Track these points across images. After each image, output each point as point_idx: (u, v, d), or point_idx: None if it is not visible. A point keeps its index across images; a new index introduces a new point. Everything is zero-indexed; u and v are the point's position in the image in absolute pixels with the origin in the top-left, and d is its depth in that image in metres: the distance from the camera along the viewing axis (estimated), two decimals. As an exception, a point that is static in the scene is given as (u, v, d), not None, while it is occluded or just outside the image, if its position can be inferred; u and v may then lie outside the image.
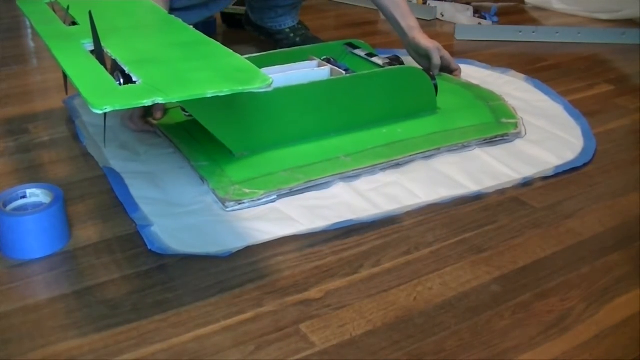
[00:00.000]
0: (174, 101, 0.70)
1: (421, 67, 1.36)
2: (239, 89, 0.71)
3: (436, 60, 1.32)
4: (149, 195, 0.94)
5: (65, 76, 1.01)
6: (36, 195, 0.85)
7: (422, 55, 1.34)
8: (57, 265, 0.80)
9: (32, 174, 1.01)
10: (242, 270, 0.80)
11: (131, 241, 0.85)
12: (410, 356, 0.67)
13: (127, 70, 0.77)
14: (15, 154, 1.08)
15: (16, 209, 0.84)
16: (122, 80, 0.78)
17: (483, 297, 0.76)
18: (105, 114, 0.68)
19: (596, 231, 0.89)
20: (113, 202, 0.93)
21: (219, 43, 0.86)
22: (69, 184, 0.98)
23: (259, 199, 0.92)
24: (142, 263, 0.81)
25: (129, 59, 0.80)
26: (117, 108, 0.67)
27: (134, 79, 0.74)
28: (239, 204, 0.91)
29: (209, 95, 0.70)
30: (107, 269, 0.80)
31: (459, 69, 1.36)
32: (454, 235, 0.87)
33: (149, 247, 0.82)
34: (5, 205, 0.83)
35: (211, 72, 0.76)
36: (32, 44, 1.74)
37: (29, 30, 1.83)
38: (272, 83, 0.72)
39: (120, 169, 1.00)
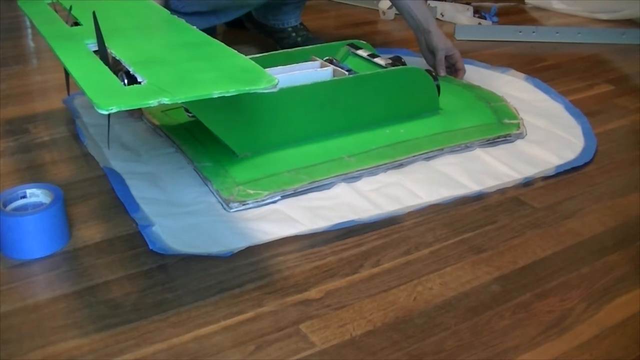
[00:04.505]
0: (179, 102, 0.70)
1: (426, 62, 1.37)
2: (245, 89, 0.71)
3: (438, 60, 1.33)
4: (150, 196, 0.94)
5: (67, 76, 1.01)
6: (36, 195, 0.85)
7: (430, 52, 1.35)
8: (57, 265, 0.80)
9: (32, 174, 1.01)
10: (242, 270, 0.80)
11: (131, 241, 0.85)
12: (410, 356, 0.67)
13: (131, 70, 0.77)
14: (15, 154, 1.08)
15: (16, 209, 0.84)
16: (126, 81, 0.78)
17: (483, 297, 0.76)
18: (109, 114, 0.68)
19: (596, 231, 0.89)
20: (113, 202, 0.93)
21: (223, 43, 0.86)
22: (69, 184, 0.98)
23: (263, 200, 0.92)
24: (142, 263, 0.81)
25: (133, 59, 0.80)
26: (123, 108, 0.67)
27: (138, 80, 0.74)
28: (243, 204, 0.91)
29: (215, 96, 0.70)
30: (107, 269, 0.80)
31: (462, 70, 1.36)
32: (454, 235, 0.87)
33: (150, 247, 0.82)
34: (5, 205, 0.83)
35: (216, 72, 0.76)
36: (32, 44, 1.74)
37: (29, 30, 1.83)
38: (277, 83, 0.72)
39: (121, 169, 1.00)
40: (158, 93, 0.69)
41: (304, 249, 0.84)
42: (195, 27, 0.95)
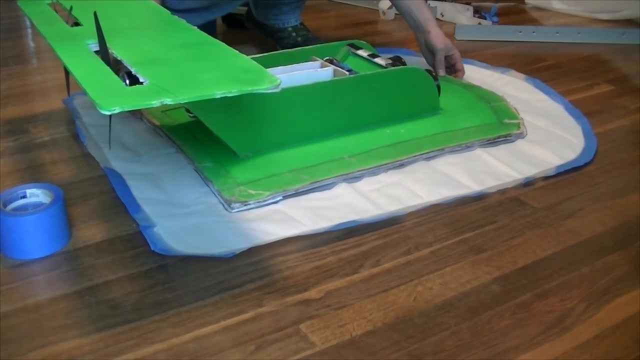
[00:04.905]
0: (182, 102, 0.70)
1: (426, 62, 1.37)
2: (248, 89, 0.71)
3: (437, 61, 1.33)
4: (151, 196, 0.93)
5: (67, 76, 1.01)
6: (36, 195, 0.85)
7: (430, 52, 1.35)
8: (57, 265, 0.80)
9: (32, 174, 1.01)
10: (242, 270, 0.80)
11: (131, 241, 0.85)
12: (410, 356, 0.67)
13: (133, 71, 0.77)
14: (15, 154, 1.08)
15: (16, 209, 0.84)
16: (127, 81, 0.78)
17: (483, 297, 0.76)
18: (110, 115, 0.68)
19: (596, 231, 0.89)
20: (113, 202, 0.93)
21: (223, 44, 0.86)
22: (69, 184, 0.98)
23: (265, 200, 0.92)
24: (142, 263, 0.81)
25: (134, 59, 0.80)
26: (126, 109, 0.67)
27: (140, 80, 0.74)
28: (245, 205, 0.91)
29: (217, 96, 0.69)
30: (107, 269, 0.80)
31: (461, 71, 1.36)
32: (454, 235, 0.87)
33: (152, 248, 0.82)
34: (5, 205, 0.83)
35: (218, 72, 0.76)
36: (32, 44, 1.74)
37: (29, 30, 1.83)
38: (280, 84, 0.72)
39: (122, 169, 1.00)
40: (160, 93, 0.69)
41: (304, 249, 0.84)
42: (190, 23, 0.95)
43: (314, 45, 1.29)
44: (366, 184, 0.98)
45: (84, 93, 0.71)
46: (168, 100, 0.68)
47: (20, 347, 0.68)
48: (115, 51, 0.83)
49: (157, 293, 0.76)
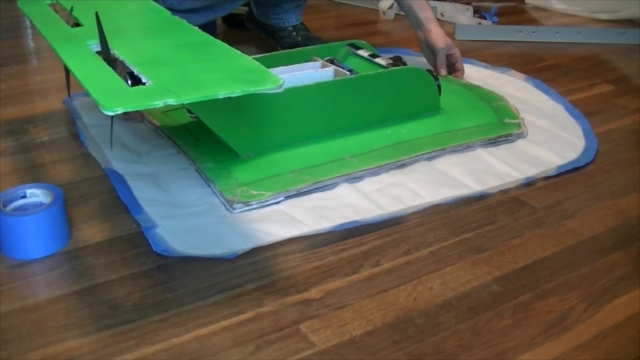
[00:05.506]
0: (185, 102, 0.70)
1: (427, 61, 1.37)
2: (251, 90, 0.71)
3: (439, 60, 1.33)
4: (153, 197, 0.93)
5: (67, 77, 1.01)
6: (36, 195, 0.85)
7: (430, 51, 1.35)
8: (57, 265, 0.80)
9: (32, 174, 1.01)
10: (242, 270, 0.80)
11: (131, 241, 0.85)
12: (410, 356, 0.67)
13: (135, 71, 0.76)
14: (15, 154, 1.08)
15: (16, 209, 0.84)
16: (129, 82, 0.78)
17: (483, 297, 0.76)
18: (112, 116, 0.68)
19: (596, 231, 0.89)
20: (113, 202, 0.93)
21: (225, 44, 0.86)
22: (69, 184, 0.98)
23: (267, 201, 0.92)
24: (142, 263, 0.81)
25: (136, 60, 0.79)
26: (129, 109, 0.67)
27: (143, 80, 0.74)
28: (247, 205, 0.91)
29: (220, 97, 0.69)
30: (107, 269, 0.80)
31: (461, 71, 1.36)
32: (454, 235, 0.87)
33: (154, 249, 0.82)
34: (5, 205, 0.83)
35: (221, 73, 0.75)
36: (32, 44, 1.74)
37: (29, 30, 1.83)
38: (283, 84, 0.72)
39: (123, 170, 1.00)
40: (164, 94, 0.69)
41: (305, 249, 0.84)
42: (192, 23, 0.95)
43: (315, 46, 1.29)
44: (368, 184, 0.98)
45: (87, 94, 0.71)
46: (171, 101, 0.68)
47: (20, 347, 0.68)
48: (116, 52, 0.83)
49: (157, 293, 0.76)
